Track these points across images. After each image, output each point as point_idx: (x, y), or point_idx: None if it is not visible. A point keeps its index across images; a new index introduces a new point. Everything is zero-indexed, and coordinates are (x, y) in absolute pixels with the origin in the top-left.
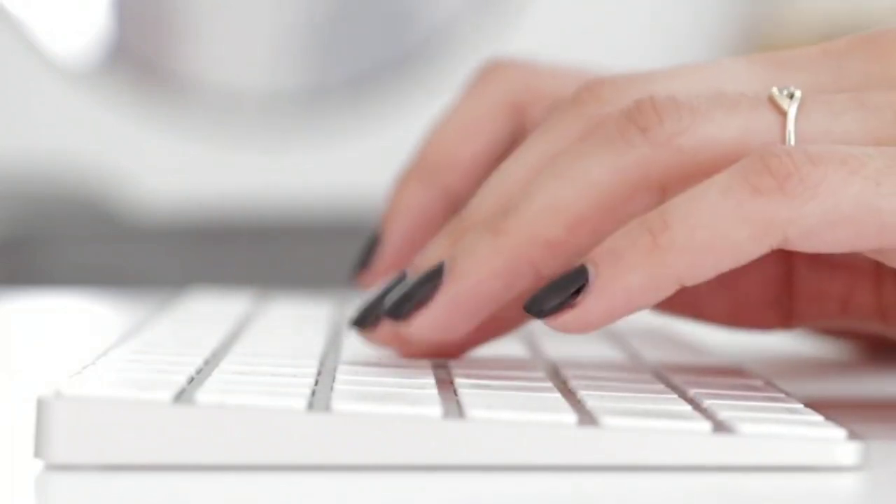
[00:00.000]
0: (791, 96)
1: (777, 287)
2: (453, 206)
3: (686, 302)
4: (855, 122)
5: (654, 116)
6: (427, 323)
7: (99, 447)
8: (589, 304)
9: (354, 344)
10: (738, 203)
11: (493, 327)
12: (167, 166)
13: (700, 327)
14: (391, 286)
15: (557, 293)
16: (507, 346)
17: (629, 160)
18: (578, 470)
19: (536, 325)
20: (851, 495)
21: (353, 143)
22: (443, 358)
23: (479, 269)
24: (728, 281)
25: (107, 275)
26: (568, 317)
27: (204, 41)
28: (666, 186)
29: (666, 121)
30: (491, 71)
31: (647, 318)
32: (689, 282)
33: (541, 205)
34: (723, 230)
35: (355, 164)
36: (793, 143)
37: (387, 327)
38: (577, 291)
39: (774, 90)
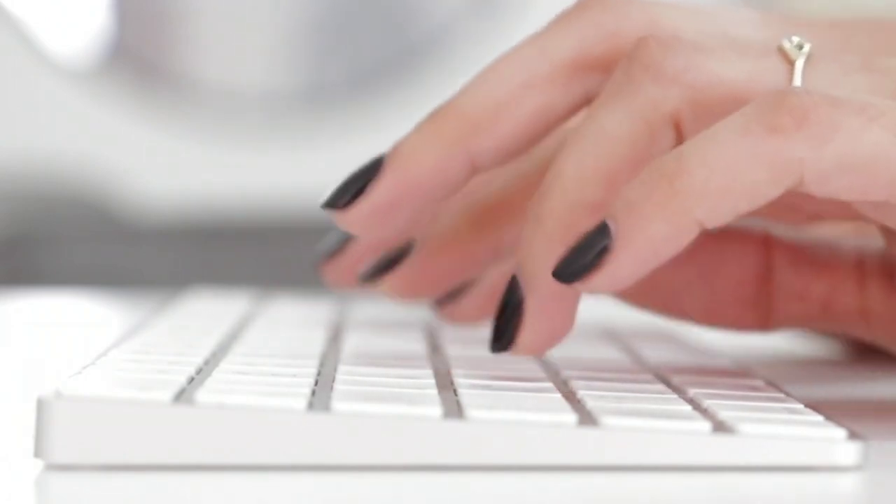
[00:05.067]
0: (800, 47)
1: (756, 285)
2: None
3: (664, 298)
4: (862, 82)
5: (657, 52)
6: (532, 335)
7: (99, 447)
8: (616, 262)
9: (354, 344)
10: (755, 143)
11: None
12: (167, 166)
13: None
14: (364, 168)
15: (583, 255)
16: None
17: (639, 102)
18: (578, 470)
19: None
20: (851, 495)
21: (353, 143)
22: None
23: (549, 266)
24: (707, 276)
25: (107, 275)
26: (597, 278)
27: (204, 41)
28: (680, 122)
29: (669, 56)
30: (569, 15)
31: (648, 319)
32: (710, 224)
33: (570, 174)
34: (740, 171)
35: (355, 165)
36: None
37: (361, 208)
38: (603, 250)
39: (784, 41)
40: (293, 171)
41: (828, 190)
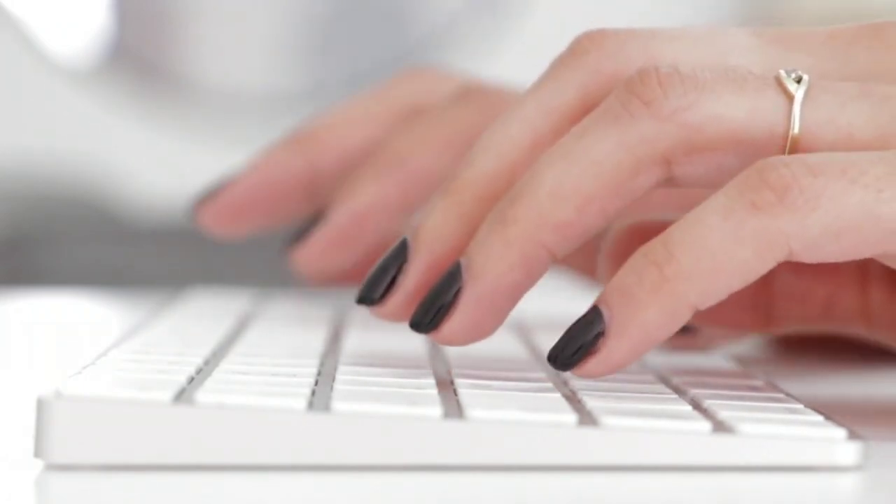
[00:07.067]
0: (799, 80)
1: (755, 288)
2: (314, 180)
3: None
4: (860, 112)
5: (657, 89)
6: (457, 328)
7: (99, 447)
8: (610, 348)
9: (354, 344)
10: (740, 222)
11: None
12: (167, 166)
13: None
14: (390, 256)
15: (576, 341)
16: (507, 346)
17: (633, 136)
18: (578, 470)
19: (536, 325)
20: (851, 495)
21: None
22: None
23: (496, 265)
24: None
25: (107, 275)
26: (592, 363)
27: (204, 41)
28: (672, 161)
29: (670, 94)
30: (401, 76)
31: None
32: (703, 305)
33: (547, 188)
34: (728, 252)
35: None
36: (797, 128)
37: (397, 299)
38: (596, 336)
39: (782, 72)
40: None
41: (819, 256)
